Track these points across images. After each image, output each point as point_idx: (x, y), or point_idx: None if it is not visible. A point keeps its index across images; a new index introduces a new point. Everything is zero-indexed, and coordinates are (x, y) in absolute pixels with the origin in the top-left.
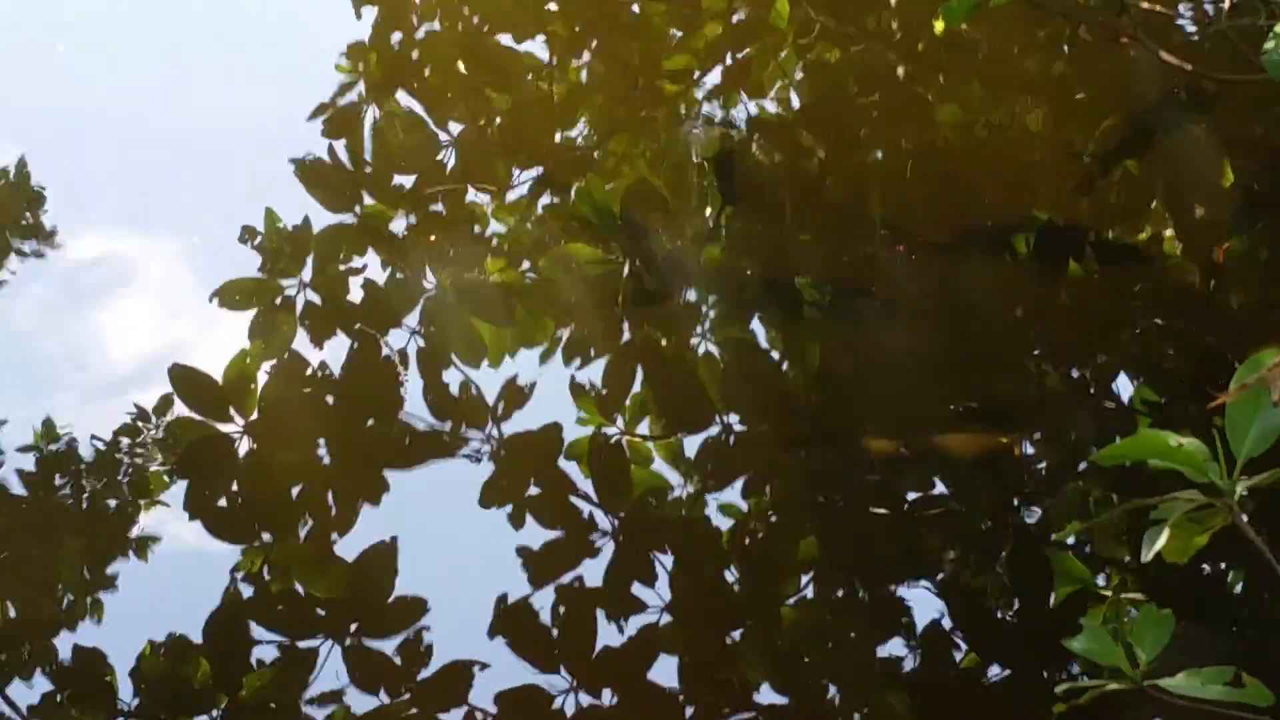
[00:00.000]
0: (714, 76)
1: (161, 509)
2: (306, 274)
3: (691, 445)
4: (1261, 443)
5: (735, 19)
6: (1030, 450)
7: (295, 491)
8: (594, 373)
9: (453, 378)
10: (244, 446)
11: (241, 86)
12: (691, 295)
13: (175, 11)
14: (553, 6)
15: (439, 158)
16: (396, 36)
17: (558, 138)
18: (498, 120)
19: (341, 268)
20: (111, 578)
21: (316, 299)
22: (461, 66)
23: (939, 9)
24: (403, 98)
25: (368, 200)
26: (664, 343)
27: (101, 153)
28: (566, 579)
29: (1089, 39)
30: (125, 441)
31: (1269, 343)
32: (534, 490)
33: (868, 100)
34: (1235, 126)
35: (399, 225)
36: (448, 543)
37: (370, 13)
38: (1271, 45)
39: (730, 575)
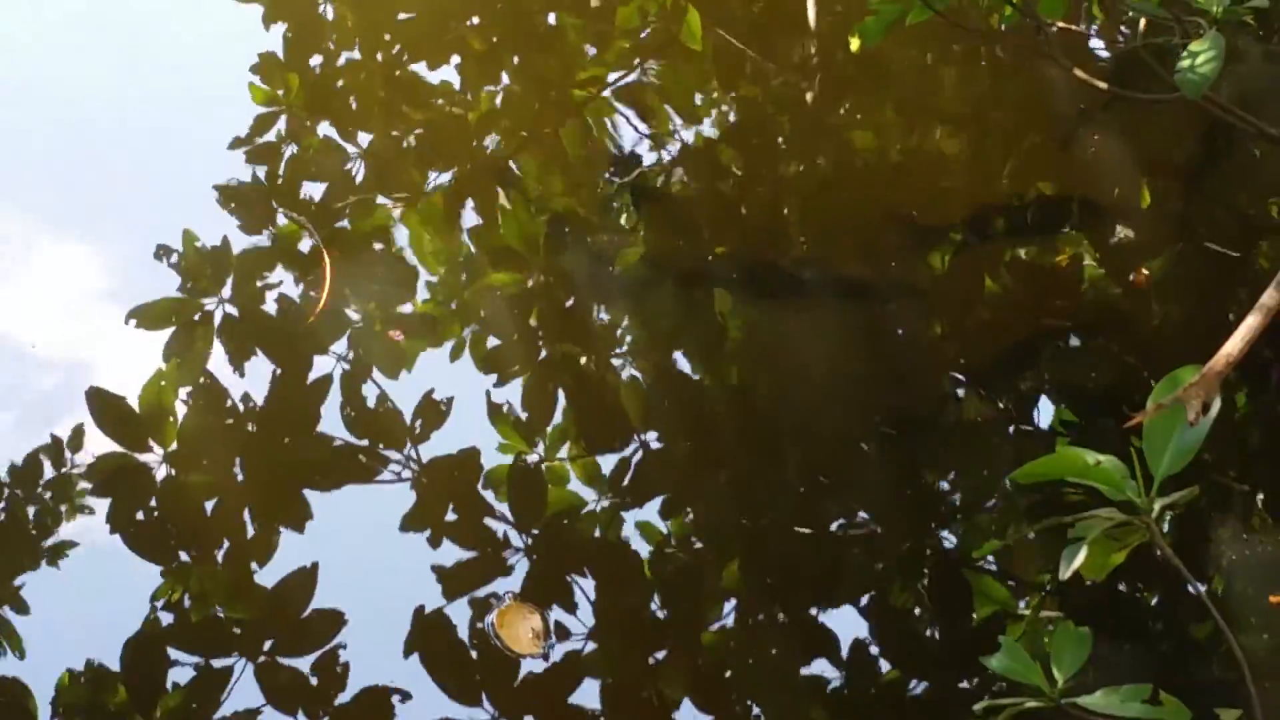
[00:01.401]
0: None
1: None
2: (226, 291)
3: (609, 465)
4: (1178, 460)
5: (644, 35)
6: (950, 473)
7: (212, 509)
8: (512, 392)
9: (369, 391)
10: (162, 471)
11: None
12: (608, 314)
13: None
14: (475, 20)
15: (347, 167)
16: (316, 60)
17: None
18: (414, 133)
19: (260, 284)
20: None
21: (234, 311)
22: (381, 93)
23: (854, 28)
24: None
25: (281, 220)
26: (583, 360)
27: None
28: (481, 593)
29: (1004, 58)
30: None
31: (1187, 362)
32: (452, 515)
33: (783, 122)
34: (1152, 146)
35: (308, 244)
36: (369, 566)
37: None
38: (1186, 63)
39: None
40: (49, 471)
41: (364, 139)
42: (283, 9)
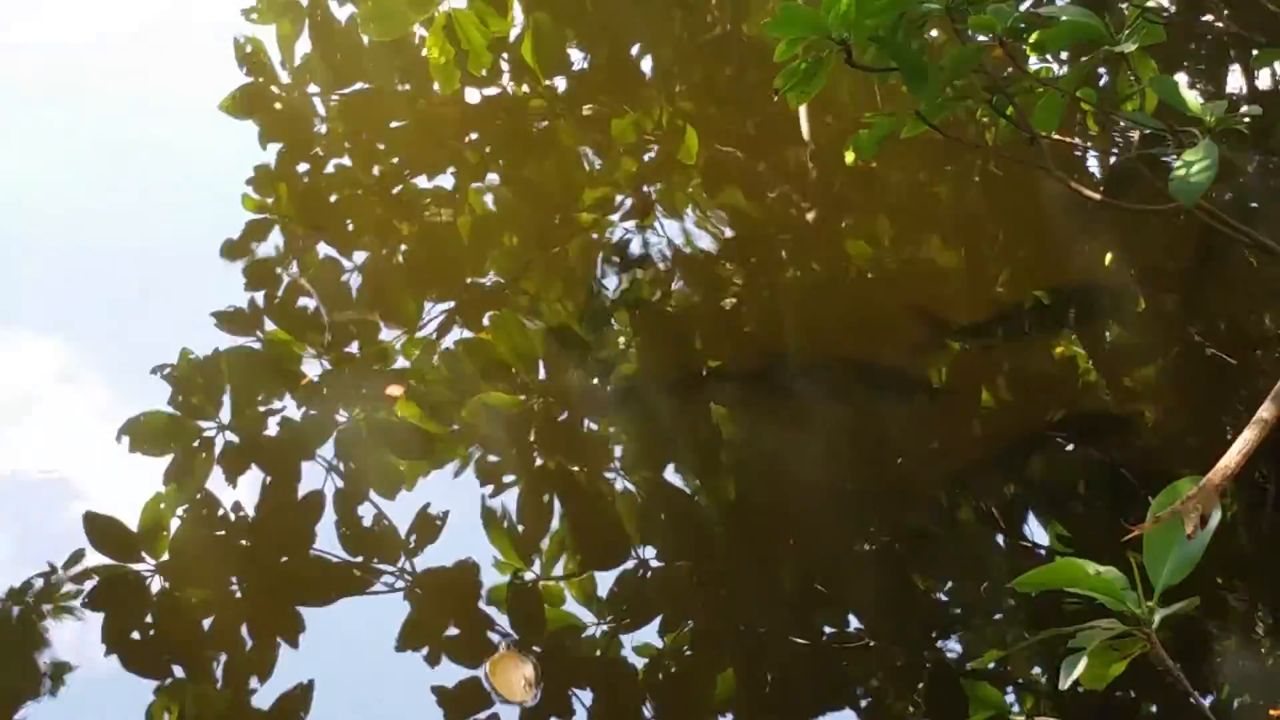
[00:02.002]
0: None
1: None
2: (224, 414)
3: (605, 580)
4: (1179, 572)
5: (647, 158)
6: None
7: (208, 626)
8: (508, 498)
9: (366, 510)
10: (156, 583)
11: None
12: (603, 428)
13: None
14: (474, 136)
15: (343, 280)
16: (304, 167)
17: (469, 279)
18: (402, 248)
19: (261, 409)
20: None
21: (235, 439)
22: (376, 207)
23: (848, 142)
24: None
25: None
26: (577, 471)
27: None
28: (483, 716)
29: (999, 172)
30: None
31: (1183, 473)
32: (452, 630)
33: (779, 236)
34: (1147, 256)
35: (313, 368)
36: (365, 681)
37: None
38: (1180, 173)
39: (648, 711)
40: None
41: (359, 253)
42: (280, 129)
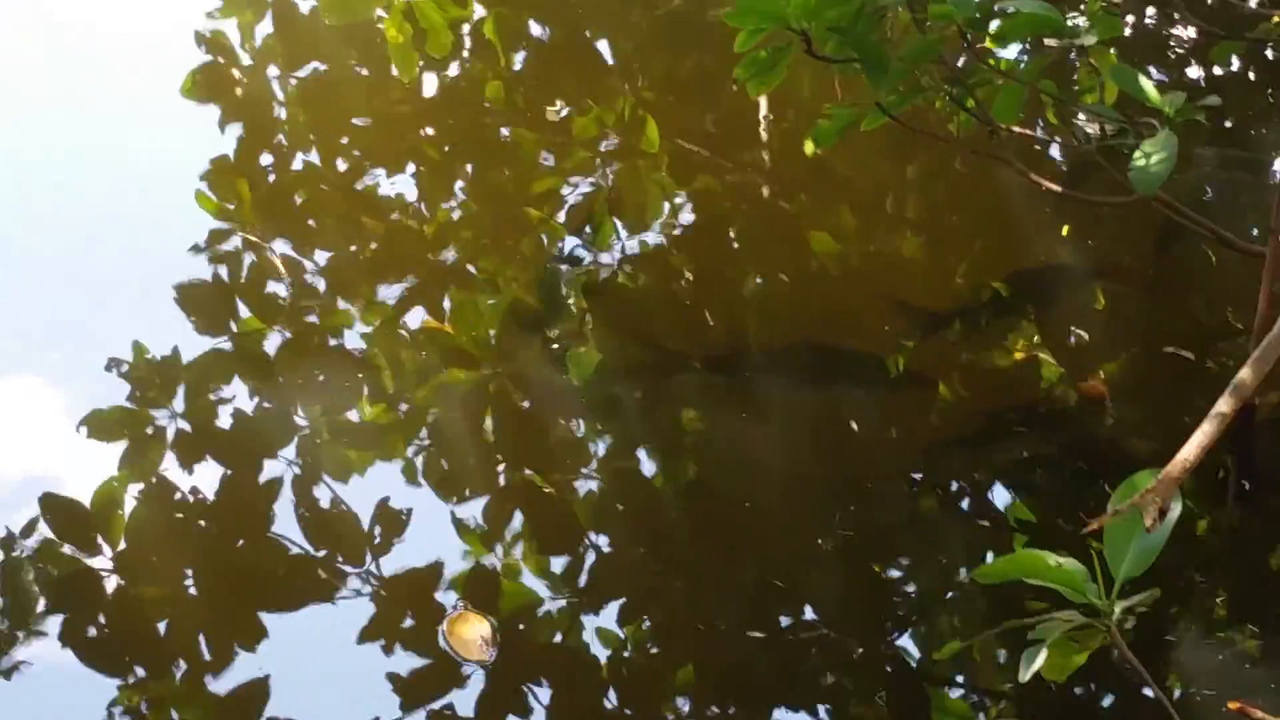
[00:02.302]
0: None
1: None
2: (178, 404)
3: (560, 565)
4: (1139, 564)
5: (604, 146)
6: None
7: (165, 629)
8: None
9: (322, 495)
10: (113, 581)
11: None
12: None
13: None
14: (429, 131)
15: (307, 282)
16: (267, 159)
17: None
18: (372, 245)
19: (212, 397)
20: None
21: (188, 427)
22: (338, 204)
23: (809, 133)
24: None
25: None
26: (545, 489)
27: None
28: (437, 705)
29: (961, 163)
30: None
31: (1142, 466)
32: (408, 622)
33: (739, 225)
34: (1107, 249)
35: (273, 344)
36: (324, 673)
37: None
38: (1139, 163)
39: (608, 702)
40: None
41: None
42: (240, 110)
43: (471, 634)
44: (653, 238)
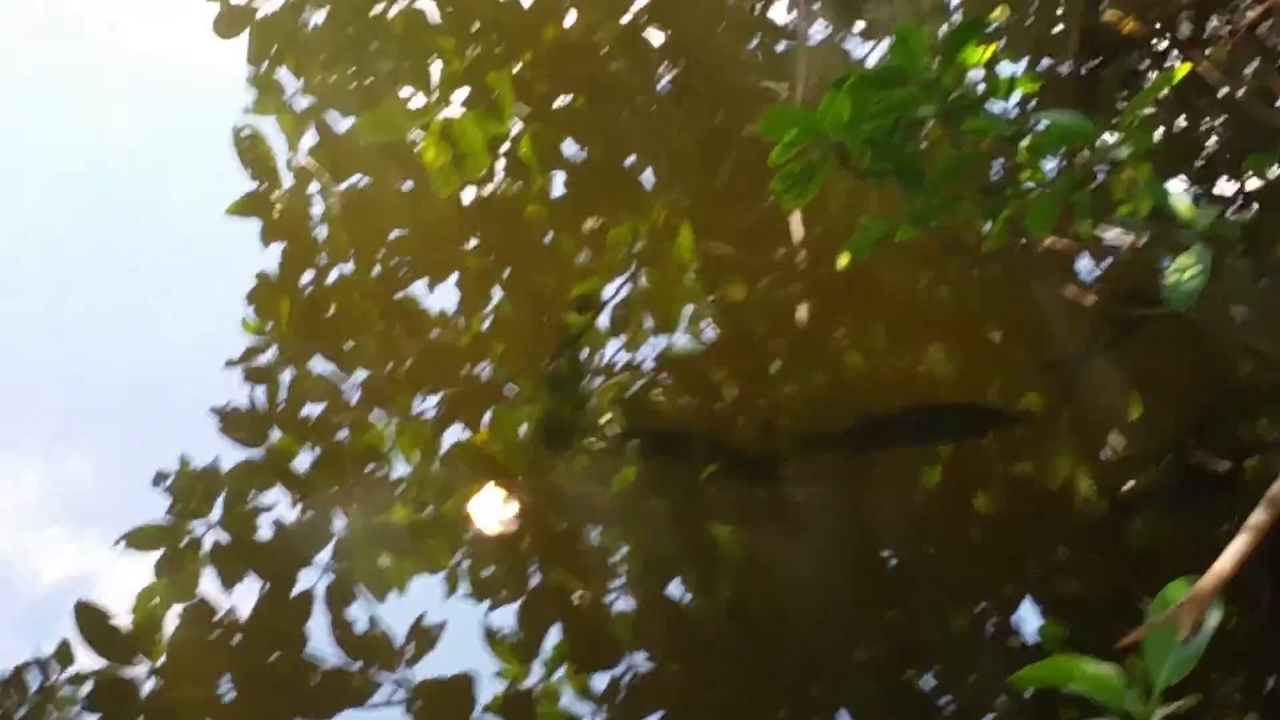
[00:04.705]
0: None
1: None
2: (215, 514)
3: (601, 682)
4: (1178, 672)
5: (638, 246)
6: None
7: None
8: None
9: (359, 615)
10: (150, 684)
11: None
12: (599, 539)
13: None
14: (473, 243)
15: (343, 395)
16: (308, 276)
17: (464, 371)
18: (407, 362)
19: (249, 506)
20: None
21: (225, 538)
22: (376, 318)
23: (844, 244)
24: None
25: (276, 435)
26: (578, 594)
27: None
28: None
29: (993, 274)
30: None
31: (1175, 576)
32: None
33: (775, 340)
34: (1140, 359)
35: (305, 460)
36: None
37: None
38: (1173, 278)
39: None
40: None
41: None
42: (280, 229)
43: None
44: (684, 341)
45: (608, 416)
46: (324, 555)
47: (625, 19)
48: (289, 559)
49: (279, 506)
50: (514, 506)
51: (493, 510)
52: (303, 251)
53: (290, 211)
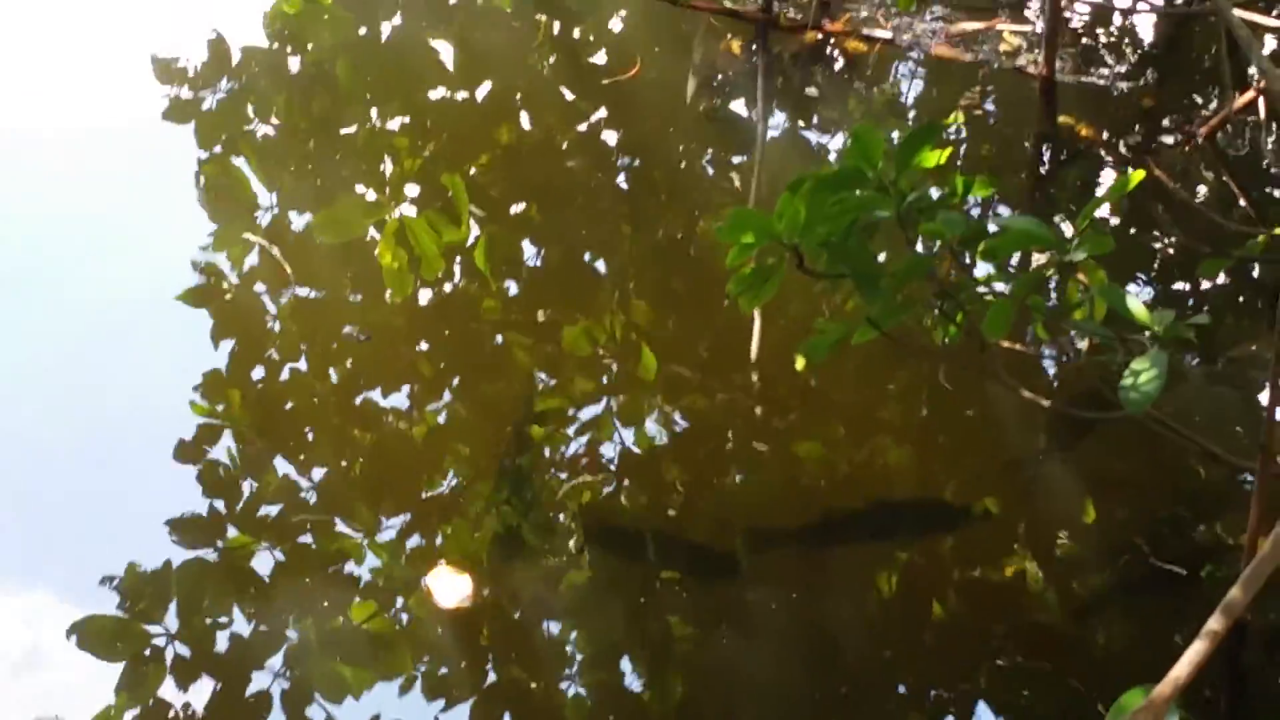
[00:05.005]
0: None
1: None
2: (171, 622)
3: None
4: None
5: (605, 379)
6: None
7: None
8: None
9: (316, 714)
10: None
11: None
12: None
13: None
14: (423, 346)
15: (301, 495)
16: (259, 373)
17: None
18: (360, 461)
19: (208, 620)
20: None
21: (185, 651)
22: (328, 413)
23: (799, 347)
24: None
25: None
26: (533, 685)
27: None
28: None
29: (950, 380)
30: None
31: (1131, 685)
32: None
33: (728, 439)
34: (1097, 463)
35: (263, 562)
36: None
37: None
38: (1129, 381)
39: None
40: None
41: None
42: (230, 326)
43: (451, 587)
44: (643, 446)
45: (565, 521)
46: (275, 653)
47: (583, 127)
48: (243, 659)
49: (235, 611)
50: (469, 599)
51: (452, 594)
52: (253, 351)
53: (241, 306)
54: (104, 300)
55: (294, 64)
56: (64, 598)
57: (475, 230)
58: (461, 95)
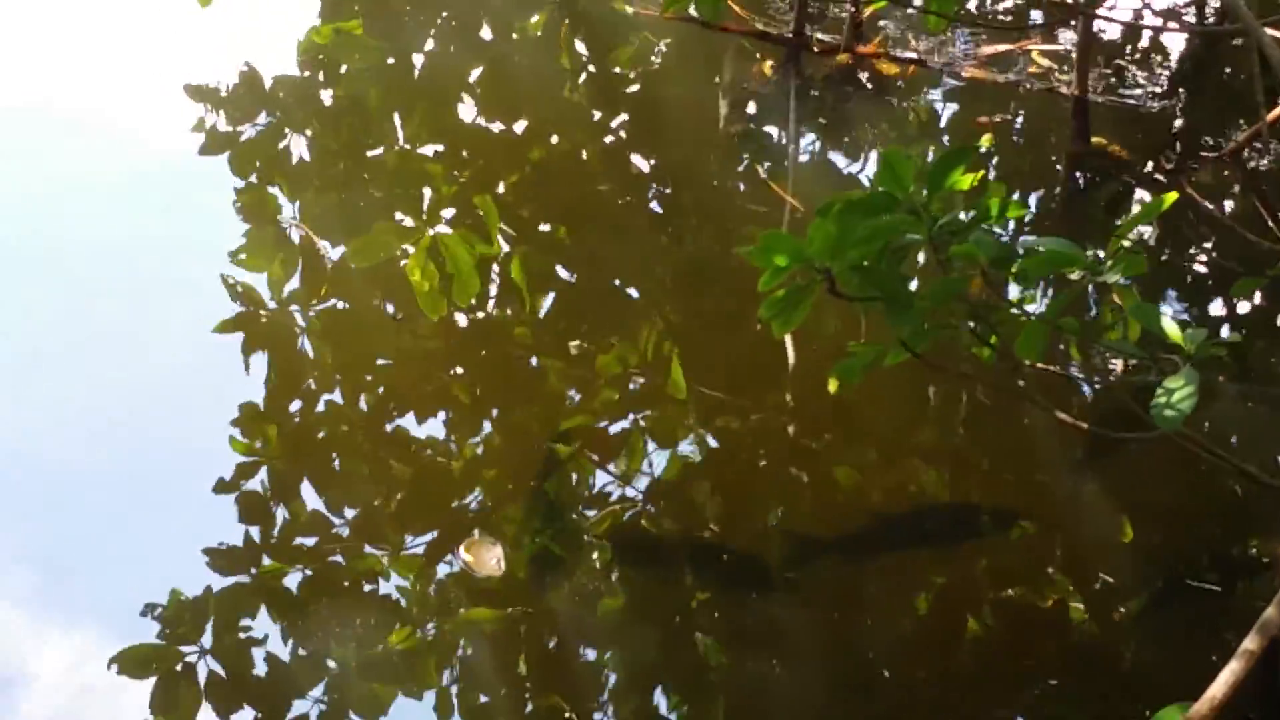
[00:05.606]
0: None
1: None
2: (206, 639)
3: None
4: None
5: (632, 387)
6: None
7: None
8: None
9: None
10: None
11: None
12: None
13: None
14: (459, 370)
15: (334, 530)
16: (295, 405)
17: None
18: (397, 496)
19: (241, 636)
20: None
21: (219, 669)
22: (363, 444)
23: (832, 370)
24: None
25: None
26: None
27: None
28: None
29: (985, 401)
30: None
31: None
32: None
33: (763, 461)
34: (1132, 483)
35: (294, 580)
36: None
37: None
38: (1162, 399)
39: None
40: None
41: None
42: (263, 342)
43: (487, 555)
44: (675, 474)
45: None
46: (317, 683)
47: (608, 139)
48: (282, 685)
49: (268, 634)
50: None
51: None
52: (291, 380)
53: (277, 334)
54: (145, 333)
55: (326, 96)
56: (109, 634)
57: (506, 248)
58: (498, 127)
